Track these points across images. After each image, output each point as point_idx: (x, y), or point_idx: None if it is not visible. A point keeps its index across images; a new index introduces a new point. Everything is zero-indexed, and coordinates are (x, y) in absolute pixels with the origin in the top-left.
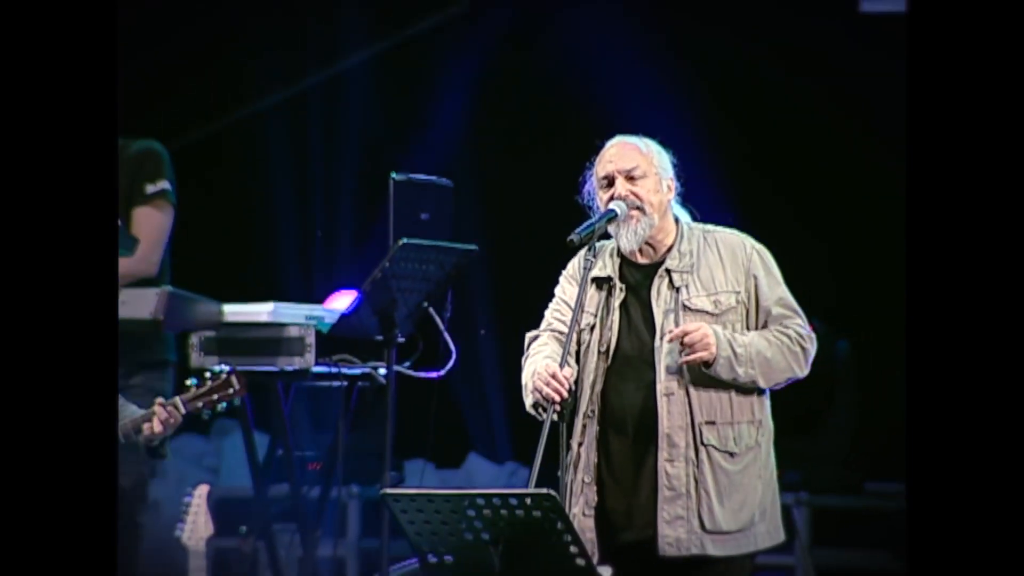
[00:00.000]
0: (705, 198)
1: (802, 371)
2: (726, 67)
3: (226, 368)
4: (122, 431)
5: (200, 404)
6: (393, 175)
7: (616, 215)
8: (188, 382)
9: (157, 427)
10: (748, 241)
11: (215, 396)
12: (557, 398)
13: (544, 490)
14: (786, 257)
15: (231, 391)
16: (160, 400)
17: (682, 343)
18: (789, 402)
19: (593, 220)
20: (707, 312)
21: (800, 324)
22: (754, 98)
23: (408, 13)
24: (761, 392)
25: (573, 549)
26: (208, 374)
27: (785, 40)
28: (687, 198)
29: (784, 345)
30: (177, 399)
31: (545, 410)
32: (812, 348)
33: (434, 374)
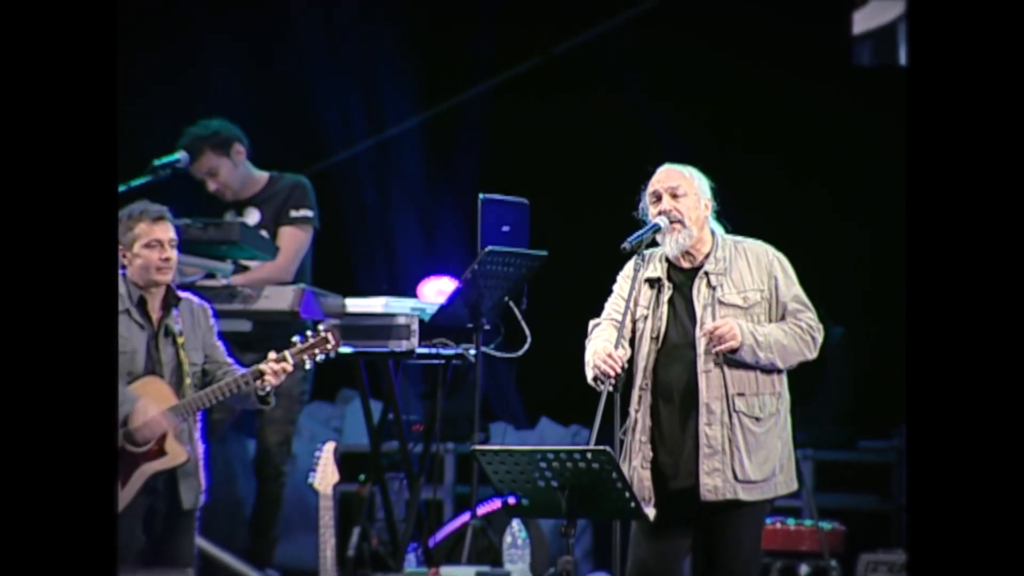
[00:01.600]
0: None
1: (812, 354)
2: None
3: (322, 326)
4: (235, 383)
5: (304, 356)
6: (481, 196)
7: (660, 227)
8: (294, 339)
9: (269, 375)
10: (771, 250)
11: (316, 350)
12: (612, 373)
13: (601, 447)
14: (795, 259)
15: (328, 345)
16: (272, 354)
17: (712, 336)
18: (795, 376)
19: (641, 231)
20: (737, 306)
21: (811, 316)
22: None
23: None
24: (780, 370)
25: (626, 494)
26: (310, 331)
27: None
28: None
29: (797, 334)
30: (286, 352)
31: (602, 382)
32: (820, 336)
33: (513, 354)
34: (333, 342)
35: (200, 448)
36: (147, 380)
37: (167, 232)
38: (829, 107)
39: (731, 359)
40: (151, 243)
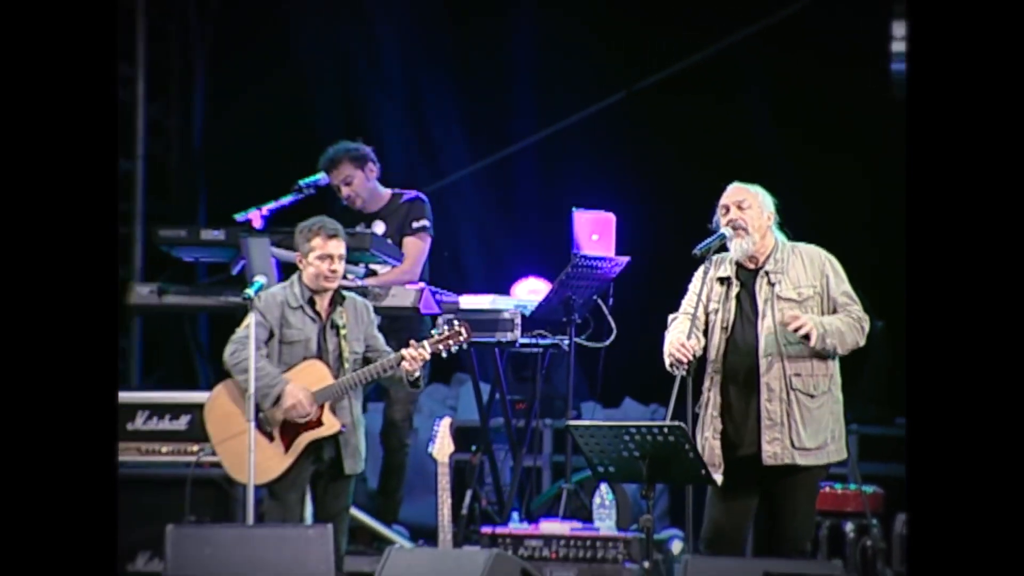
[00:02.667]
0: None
1: (862, 342)
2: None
3: (457, 321)
4: (381, 367)
5: (440, 346)
6: (574, 208)
7: (725, 236)
8: (433, 331)
9: (408, 363)
10: (823, 252)
11: (450, 341)
12: (684, 360)
13: (676, 423)
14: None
15: (461, 337)
16: (412, 343)
17: (786, 325)
18: (844, 361)
19: (709, 239)
20: (793, 300)
21: (859, 309)
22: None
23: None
24: (834, 356)
25: (697, 463)
26: (445, 325)
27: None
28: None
29: (851, 324)
30: (424, 342)
31: (677, 367)
32: (867, 326)
33: (600, 344)
34: (465, 335)
35: (361, 422)
36: (308, 363)
37: (339, 248)
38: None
39: (790, 347)
40: (323, 256)
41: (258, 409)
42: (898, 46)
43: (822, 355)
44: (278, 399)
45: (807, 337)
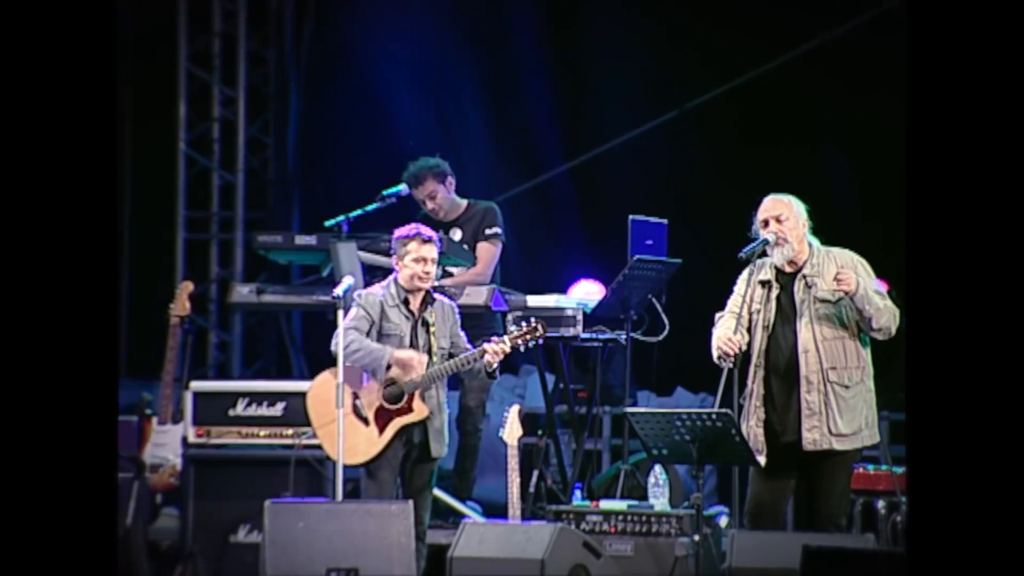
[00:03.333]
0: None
1: (894, 328)
2: None
3: (534, 319)
4: (465, 360)
5: (519, 341)
6: (631, 217)
7: (768, 241)
8: (511, 328)
9: (490, 356)
10: (855, 256)
11: (528, 337)
12: (731, 353)
13: (723, 410)
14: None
15: (537, 333)
16: (494, 338)
17: (837, 280)
18: (876, 355)
19: (753, 244)
20: (827, 300)
21: (891, 303)
22: None
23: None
24: (864, 348)
25: (742, 446)
26: (524, 323)
27: None
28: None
29: (888, 307)
30: (505, 338)
31: (724, 360)
32: (899, 317)
33: (654, 338)
34: (542, 331)
35: (445, 409)
36: (406, 354)
37: (432, 252)
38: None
39: (826, 343)
40: (418, 259)
41: (356, 396)
42: None
43: (853, 348)
44: (390, 366)
45: (849, 295)
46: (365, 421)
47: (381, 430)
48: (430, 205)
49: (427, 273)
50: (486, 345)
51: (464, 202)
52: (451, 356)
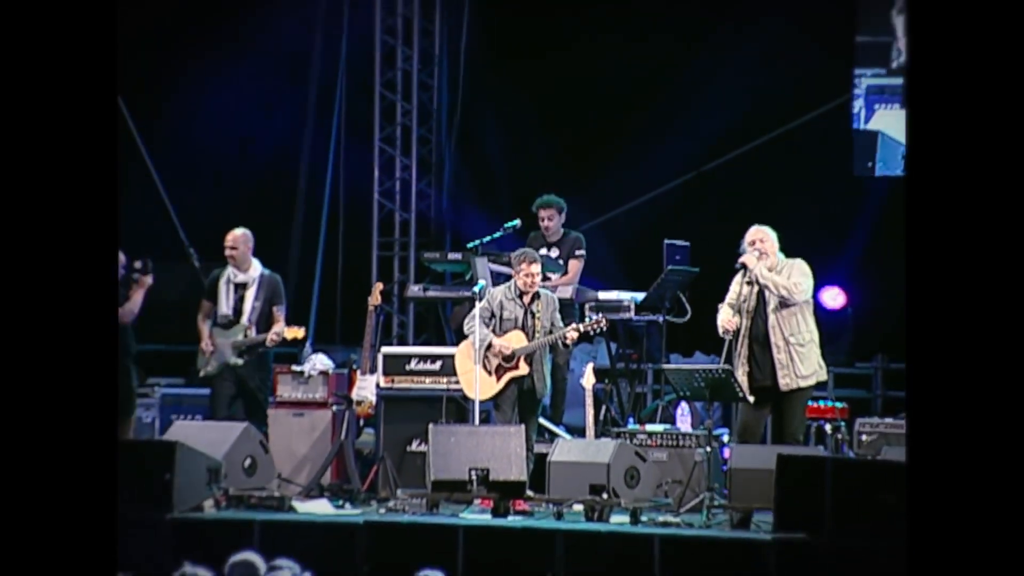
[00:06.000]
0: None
1: (795, 295)
2: None
3: (601, 313)
4: (556, 336)
5: (589, 329)
6: (665, 241)
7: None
8: (588, 316)
9: (571, 334)
10: (798, 260)
11: (594, 326)
12: (730, 330)
13: (726, 366)
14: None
15: (601, 324)
16: (574, 325)
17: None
18: (825, 331)
19: (741, 258)
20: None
21: (795, 283)
22: None
23: None
24: (810, 319)
25: (737, 389)
26: (593, 315)
27: None
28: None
29: (777, 281)
30: (580, 325)
31: (725, 334)
32: (796, 292)
33: (681, 320)
34: (605, 324)
35: (547, 367)
36: (514, 332)
37: (536, 268)
38: None
39: (784, 320)
40: (527, 273)
41: (485, 356)
42: None
43: (797, 318)
44: (489, 346)
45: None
46: (488, 373)
47: (498, 379)
48: (546, 224)
49: (533, 281)
50: (567, 331)
51: (563, 230)
52: (550, 332)
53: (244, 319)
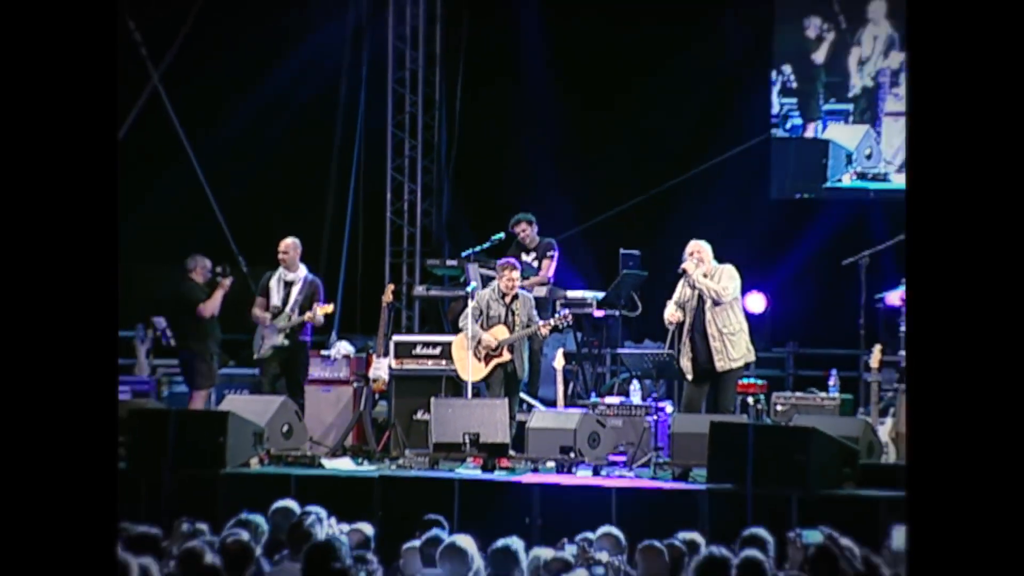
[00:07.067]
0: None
1: (722, 296)
2: None
3: (568, 311)
4: (532, 330)
5: (559, 324)
6: (621, 250)
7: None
8: (559, 311)
9: (544, 329)
10: (727, 265)
11: (561, 320)
12: (674, 323)
13: (671, 351)
14: None
15: (569, 320)
16: (544, 322)
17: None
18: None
19: (682, 264)
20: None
21: (723, 287)
22: None
23: None
24: (739, 312)
25: (681, 369)
26: (563, 310)
27: None
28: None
29: (708, 285)
30: (551, 321)
31: (671, 326)
32: (723, 295)
33: (633, 314)
34: (571, 320)
35: (525, 353)
36: (498, 327)
37: (515, 273)
38: None
39: (717, 317)
40: (508, 278)
41: (476, 346)
42: None
43: (729, 312)
44: (479, 339)
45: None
46: (478, 359)
47: (486, 365)
48: (522, 235)
49: (513, 284)
50: (541, 324)
51: (538, 238)
52: (528, 326)
53: (287, 309)
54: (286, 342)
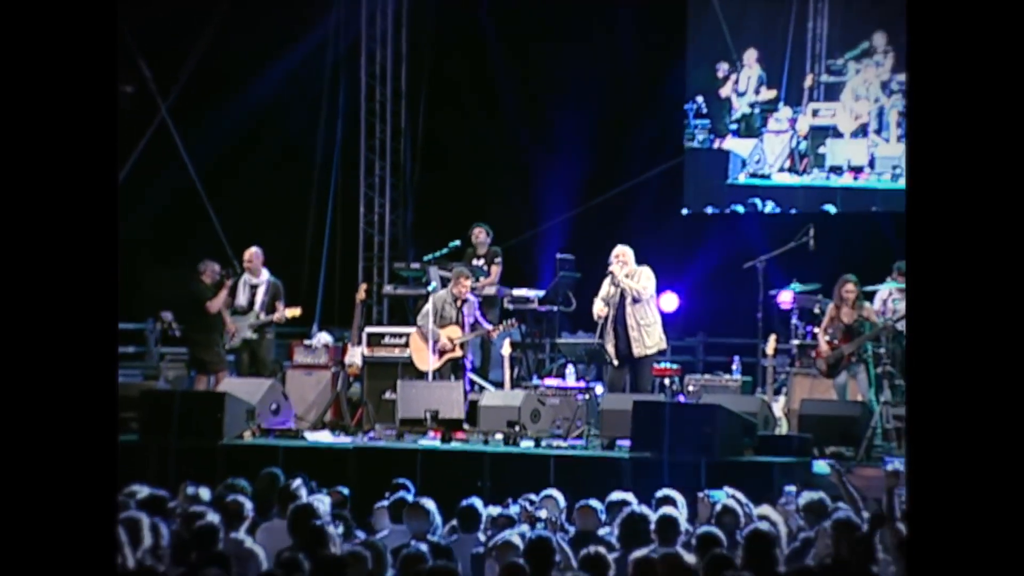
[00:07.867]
0: None
1: (641, 294)
2: None
3: (514, 318)
4: (482, 333)
5: (504, 328)
6: (557, 254)
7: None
8: (505, 320)
9: (493, 332)
10: (645, 267)
11: (508, 326)
12: (601, 316)
13: (599, 340)
14: None
15: (512, 325)
16: (491, 326)
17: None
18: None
19: (609, 269)
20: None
21: (642, 287)
22: None
23: None
24: (652, 308)
25: (608, 356)
26: (510, 319)
27: None
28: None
29: (631, 286)
30: (500, 325)
31: (598, 320)
32: (643, 294)
33: (569, 309)
34: (515, 323)
35: (469, 349)
36: (451, 327)
37: (467, 281)
38: None
39: (635, 311)
40: (460, 284)
41: (435, 341)
42: None
43: (645, 306)
44: (437, 339)
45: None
46: (434, 352)
47: (439, 358)
48: (476, 239)
49: (464, 290)
50: (490, 330)
51: (488, 247)
52: (474, 328)
53: (256, 308)
54: (255, 336)
